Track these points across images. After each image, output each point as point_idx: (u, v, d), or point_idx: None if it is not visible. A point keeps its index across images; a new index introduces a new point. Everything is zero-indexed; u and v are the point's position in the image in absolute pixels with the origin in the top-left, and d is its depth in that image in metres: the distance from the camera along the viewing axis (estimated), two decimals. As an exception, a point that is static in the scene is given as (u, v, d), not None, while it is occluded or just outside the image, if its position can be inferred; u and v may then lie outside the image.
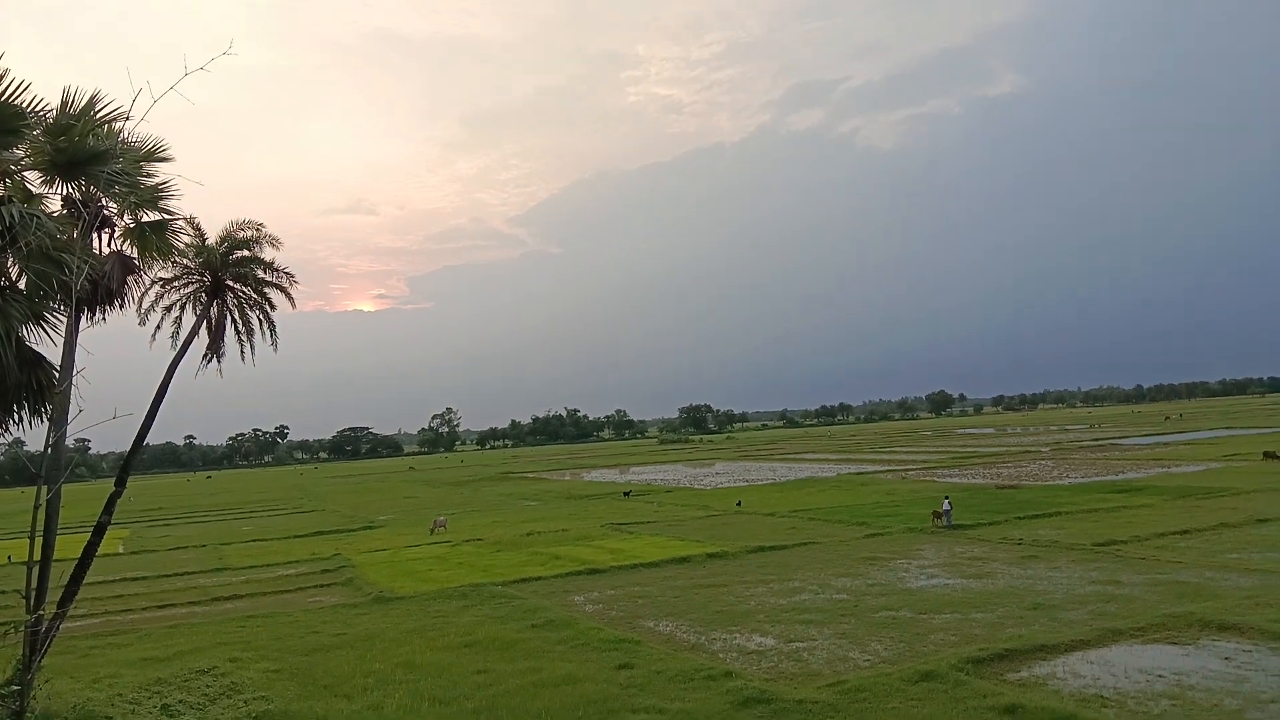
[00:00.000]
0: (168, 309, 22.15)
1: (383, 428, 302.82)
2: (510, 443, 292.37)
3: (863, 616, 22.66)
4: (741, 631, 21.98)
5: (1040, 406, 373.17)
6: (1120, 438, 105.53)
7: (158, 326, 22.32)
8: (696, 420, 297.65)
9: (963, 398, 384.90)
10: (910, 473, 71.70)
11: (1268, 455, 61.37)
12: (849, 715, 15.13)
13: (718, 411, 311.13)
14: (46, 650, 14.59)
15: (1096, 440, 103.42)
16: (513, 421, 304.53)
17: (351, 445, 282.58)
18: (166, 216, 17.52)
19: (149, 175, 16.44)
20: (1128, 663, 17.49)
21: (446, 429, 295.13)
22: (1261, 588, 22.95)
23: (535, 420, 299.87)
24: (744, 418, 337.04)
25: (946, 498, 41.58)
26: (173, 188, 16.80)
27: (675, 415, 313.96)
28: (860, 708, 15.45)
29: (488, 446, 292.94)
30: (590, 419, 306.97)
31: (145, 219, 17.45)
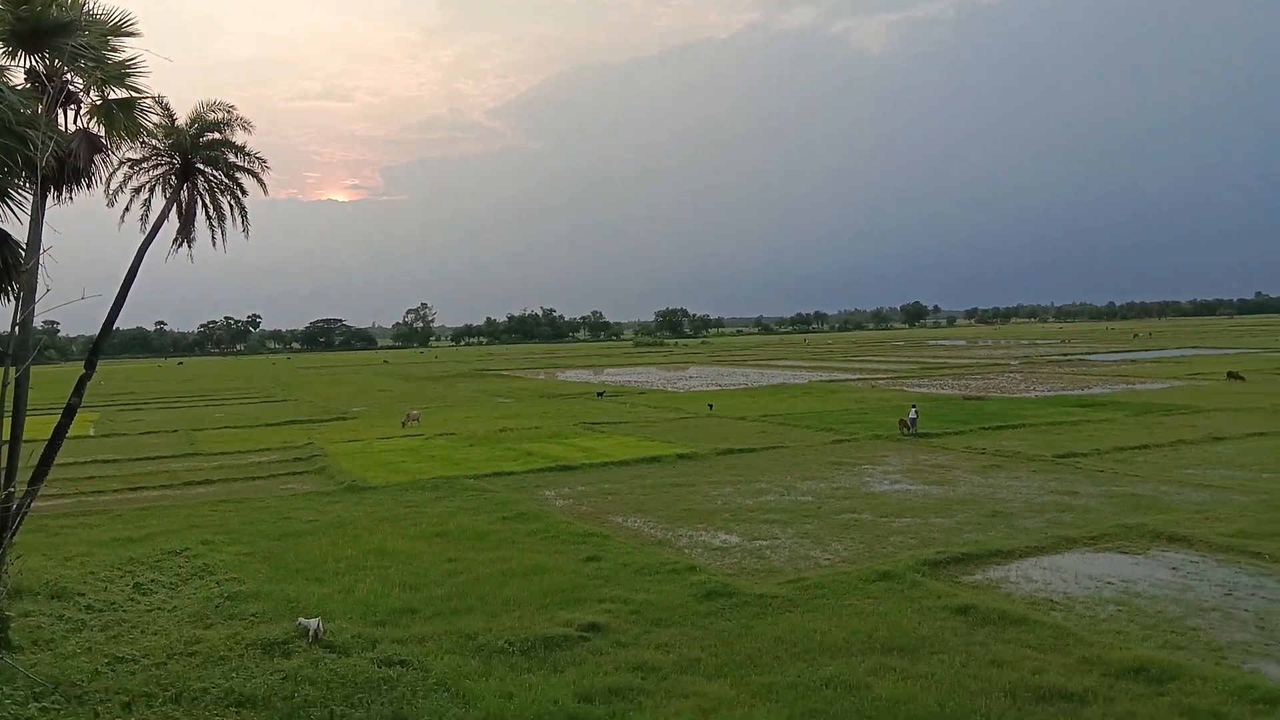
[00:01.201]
0: (136, 191, 21.64)
1: (356, 320, 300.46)
2: (485, 340, 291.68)
3: (825, 518, 23.22)
4: (707, 529, 22.49)
5: (1013, 320, 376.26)
6: (1089, 353, 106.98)
7: (126, 208, 21.84)
8: (672, 324, 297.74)
9: (937, 310, 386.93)
10: (880, 381, 72.53)
11: (1231, 375, 62.52)
12: (807, 610, 15.63)
13: (694, 316, 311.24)
14: (18, 528, 14.71)
15: (1065, 355, 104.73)
16: (488, 319, 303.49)
17: (324, 337, 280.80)
18: (134, 94, 16.99)
19: (115, 50, 15.88)
20: (1079, 569, 18.11)
21: (421, 324, 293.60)
22: (1213, 502, 23.68)
23: (511, 319, 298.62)
24: (720, 323, 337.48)
25: (914, 406, 42.20)
26: (140, 64, 16.26)
27: (651, 319, 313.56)
28: (818, 603, 15.97)
29: (462, 343, 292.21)
30: (566, 319, 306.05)
31: (112, 96, 16.91)
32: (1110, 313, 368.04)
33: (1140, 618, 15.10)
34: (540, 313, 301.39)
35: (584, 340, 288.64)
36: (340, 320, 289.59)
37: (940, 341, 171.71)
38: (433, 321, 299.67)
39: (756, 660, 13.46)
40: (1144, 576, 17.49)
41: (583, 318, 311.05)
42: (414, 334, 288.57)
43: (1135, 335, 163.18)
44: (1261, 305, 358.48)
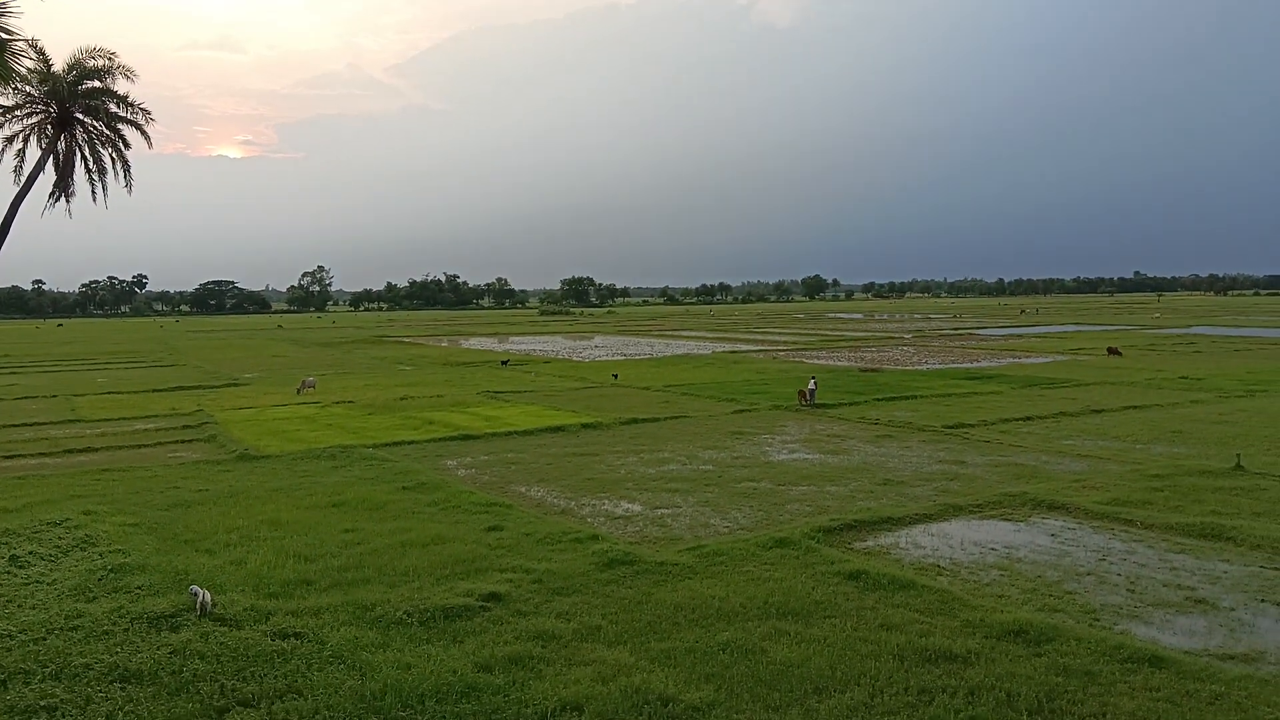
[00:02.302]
0: (9, 140, 20.58)
1: (249, 283, 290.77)
2: (385, 306, 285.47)
3: (726, 486, 23.59)
4: (610, 498, 22.62)
5: (908, 295, 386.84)
6: (978, 328, 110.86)
7: (-2, 159, 20.72)
8: (578, 293, 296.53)
9: (836, 283, 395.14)
10: (781, 353, 73.81)
11: (1110, 351, 65.67)
12: (706, 577, 15.89)
13: (600, 285, 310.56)
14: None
15: (956, 330, 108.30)
16: (388, 284, 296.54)
17: (215, 299, 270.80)
18: (5, 36, 16.00)
19: (-17, -11, 14.92)
20: (964, 536, 18.84)
21: (318, 288, 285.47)
22: (1089, 472, 24.88)
23: (413, 284, 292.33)
24: (625, 292, 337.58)
25: (813, 378, 43.13)
26: (12, 5, 15.33)
27: (557, 286, 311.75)
28: (717, 570, 16.25)
29: (361, 308, 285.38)
30: (470, 286, 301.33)
31: (-20, 38, 15.89)
32: (1000, 289, 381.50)
33: (1021, 582, 15.82)
34: (443, 278, 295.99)
35: (488, 308, 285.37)
36: (232, 282, 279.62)
37: (839, 314, 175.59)
38: (330, 285, 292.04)
39: (656, 627, 13.64)
40: (1025, 543, 18.31)
41: (487, 285, 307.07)
42: (310, 298, 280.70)
43: (1022, 311, 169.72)
44: (1139, 284, 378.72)
